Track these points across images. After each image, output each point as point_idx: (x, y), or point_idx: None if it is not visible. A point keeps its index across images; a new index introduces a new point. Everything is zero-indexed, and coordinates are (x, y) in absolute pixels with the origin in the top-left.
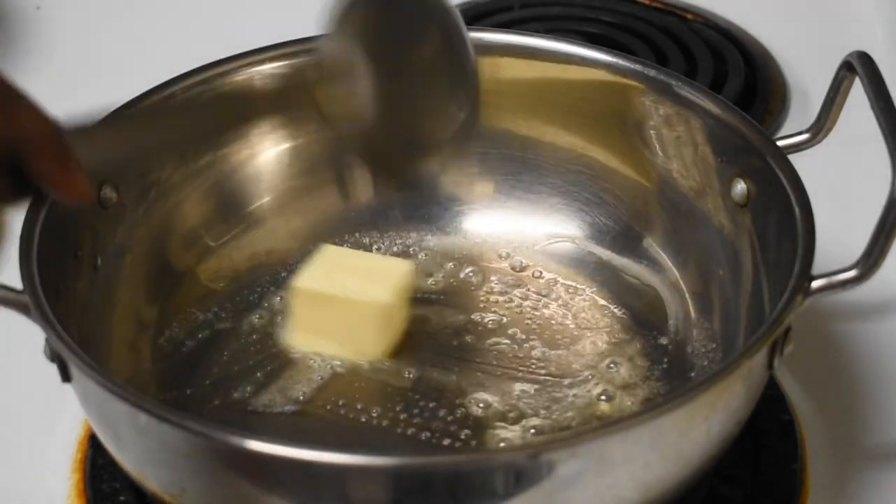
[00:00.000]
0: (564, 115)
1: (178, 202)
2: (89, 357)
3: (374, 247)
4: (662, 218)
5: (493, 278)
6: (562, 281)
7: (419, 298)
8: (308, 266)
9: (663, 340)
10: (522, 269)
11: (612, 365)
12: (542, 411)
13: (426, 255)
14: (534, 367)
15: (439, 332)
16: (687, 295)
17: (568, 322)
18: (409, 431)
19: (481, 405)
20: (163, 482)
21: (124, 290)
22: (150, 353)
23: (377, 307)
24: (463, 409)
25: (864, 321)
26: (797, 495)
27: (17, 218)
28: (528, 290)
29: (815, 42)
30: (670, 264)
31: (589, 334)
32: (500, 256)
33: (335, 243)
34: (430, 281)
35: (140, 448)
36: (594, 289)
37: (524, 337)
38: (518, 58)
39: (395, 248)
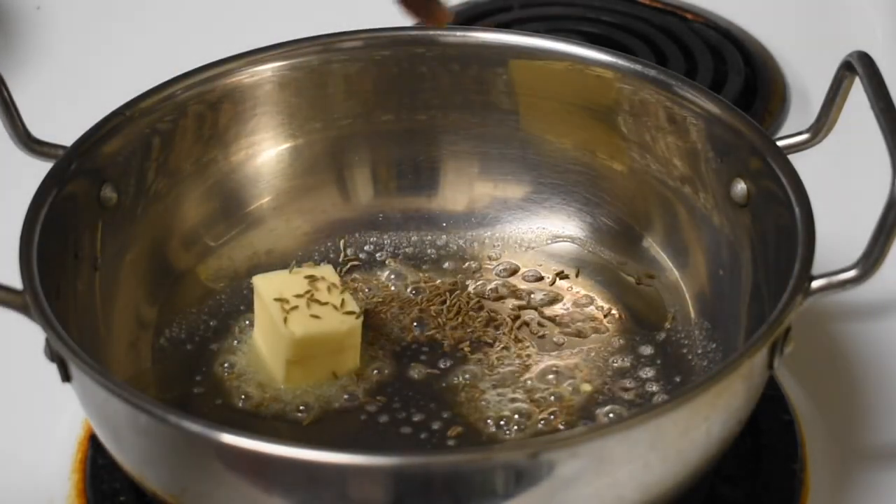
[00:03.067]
0: (564, 114)
1: (178, 202)
2: (89, 357)
3: (374, 247)
4: (662, 218)
5: (492, 278)
6: (562, 281)
7: (420, 299)
8: (280, 272)
9: (663, 340)
10: (522, 269)
11: (611, 365)
12: (542, 411)
13: (426, 255)
14: (533, 366)
15: (439, 331)
16: (687, 295)
17: (567, 322)
18: (409, 431)
19: (481, 405)
20: (163, 482)
21: (124, 290)
22: (150, 353)
23: (284, 335)
24: (462, 409)
25: (864, 321)
26: (797, 495)
27: (17, 218)
28: (528, 290)
29: (815, 42)
30: (670, 264)
31: (588, 334)
32: (499, 256)
33: (335, 243)
34: (430, 281)
35: (140, 448)
36: (594, 289)
37: (523, 337)
38: (518, 58)
39: (395, 249)
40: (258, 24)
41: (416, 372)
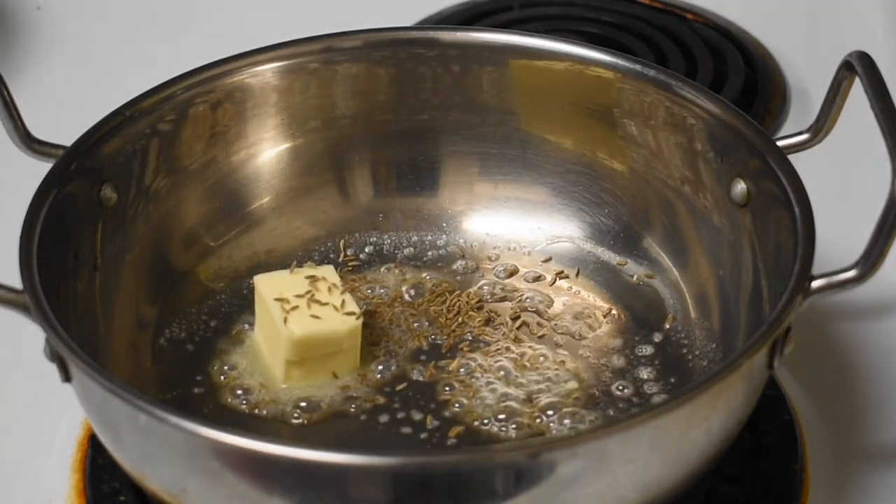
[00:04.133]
0: (564, 115)
1: (178, 202)
2: (89, 357)
3: (374, 247)
4: (662, 218)
5: (492, 278)
6: (561, 281)
7: (419, 299)
8: (281, 272)
9: (662, 340)
10: (522, 269)
11: (611, 365)
12: (541, 411)
13: (426, 255)
14: (533, 367)
15: (438, 332)
16: (687, 295)
17: (567, 322)
18: (409, 431)
19: (481, 405)
20: (163, 482)
21: (124, 290)
22: (150, 353)
23: (284, 335)
24: (462, 409)
25: (864, 321)
26: (797, 495)
27: (17, 218)
28: (528, 290)
29: (815, 42)
30: (670, 264)
31: (588, 334)
32: (499, 257)
33: (335, 243)
34: (430, 281)
35: (140, 448)
36: (594, 289)
37: (523, 337)
38: (518, 58)
39: (395, 249)
40: (258, 24)
41: (416, 372)
